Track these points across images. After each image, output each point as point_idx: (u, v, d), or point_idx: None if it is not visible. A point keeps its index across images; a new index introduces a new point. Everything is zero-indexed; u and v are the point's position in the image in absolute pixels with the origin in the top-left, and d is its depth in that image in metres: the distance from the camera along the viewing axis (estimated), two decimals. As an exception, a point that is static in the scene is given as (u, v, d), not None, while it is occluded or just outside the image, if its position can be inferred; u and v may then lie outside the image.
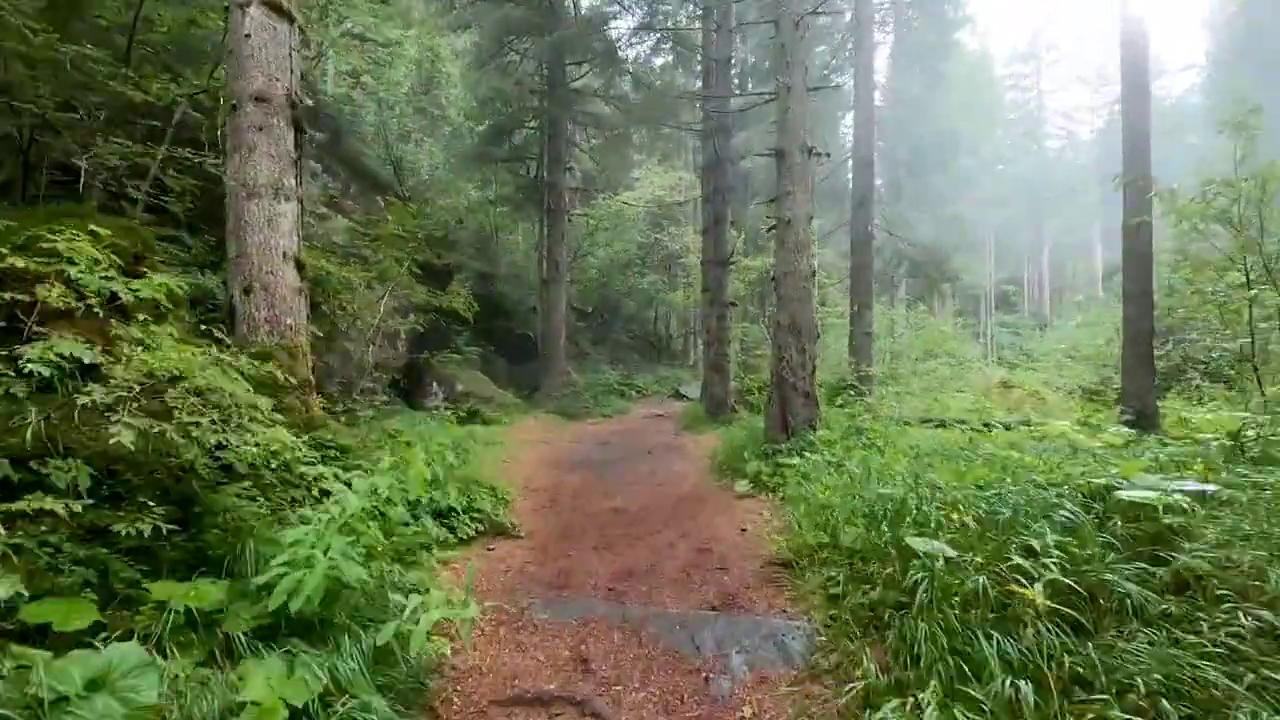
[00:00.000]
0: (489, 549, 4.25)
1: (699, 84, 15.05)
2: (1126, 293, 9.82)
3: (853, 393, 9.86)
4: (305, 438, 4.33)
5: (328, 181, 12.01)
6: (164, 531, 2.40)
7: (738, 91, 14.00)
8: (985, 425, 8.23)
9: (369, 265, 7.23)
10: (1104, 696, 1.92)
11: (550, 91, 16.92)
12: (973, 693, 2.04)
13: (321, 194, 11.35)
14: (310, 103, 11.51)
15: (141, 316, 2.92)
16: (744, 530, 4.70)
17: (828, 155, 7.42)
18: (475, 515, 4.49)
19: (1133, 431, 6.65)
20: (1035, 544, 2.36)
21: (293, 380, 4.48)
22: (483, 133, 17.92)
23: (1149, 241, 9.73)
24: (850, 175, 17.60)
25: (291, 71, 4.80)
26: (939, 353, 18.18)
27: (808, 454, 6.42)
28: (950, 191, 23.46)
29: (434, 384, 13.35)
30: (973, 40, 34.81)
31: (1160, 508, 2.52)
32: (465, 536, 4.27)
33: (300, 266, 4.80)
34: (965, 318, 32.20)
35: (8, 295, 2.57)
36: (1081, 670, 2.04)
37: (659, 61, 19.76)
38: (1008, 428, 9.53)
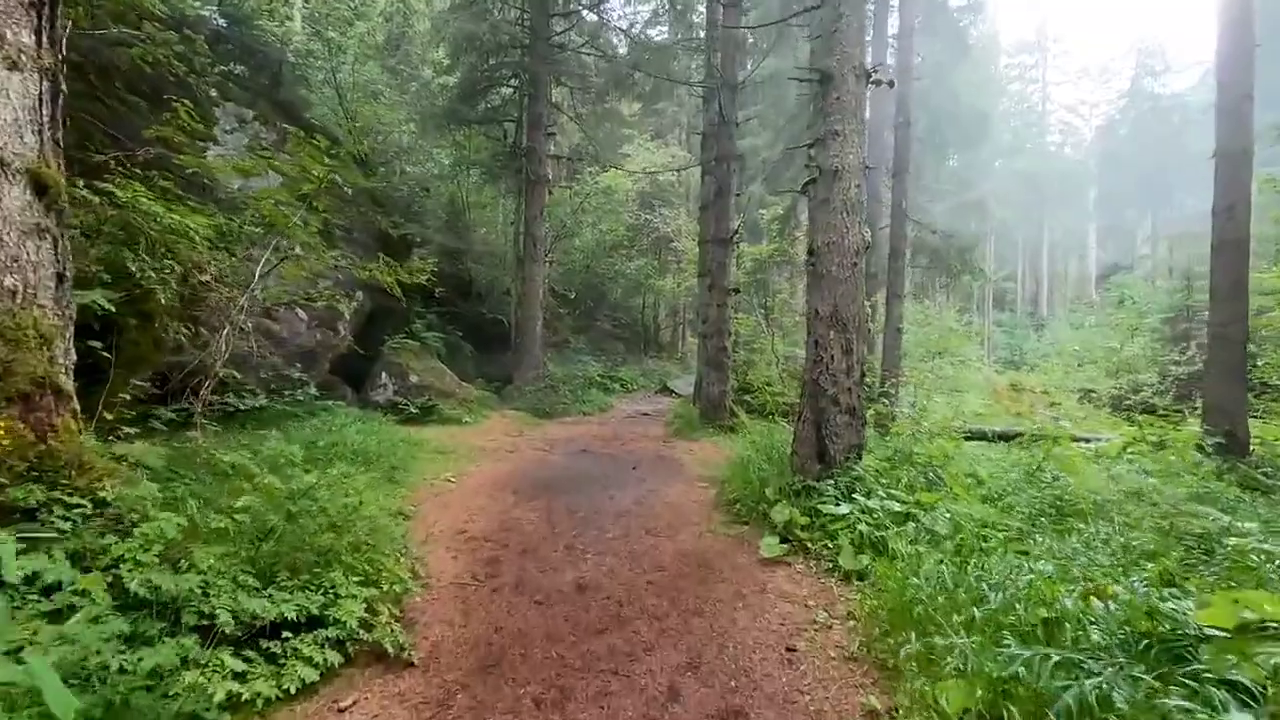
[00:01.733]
0: (339, 710, 2.31)
1: (700, 57, 13.06)
2: (1215, 290, 8.13)
3: (887, 401, 8.07)
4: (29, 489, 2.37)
5: (259, 130, 10.15)
6: None
7: (746, 67, 12.05)
8: (1074, 439, 6.38)
9: (261, 219, 5.19)
10: None
11: (531, 45, 14.76)
12: None
13: (251, 143, 9.60)
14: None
15: None
16: (792, 652, 2.82)
17: (891, 84, 5.48)
18: (330, 631, 2.55)
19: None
20: None
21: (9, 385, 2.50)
22: (455, 89, 15.69)
23: (1246, 225, 8.00)
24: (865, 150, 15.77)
25: None
26: (943, 351, 17.63)
27: (858, 496, 4.58)
28: (967, 175, 21.75)
29: (382, 374, 11.34)
30: (980, 25, 33.07)
31: None
32: (298, 684, 2.29)
33: (42, 189, 2.79)
34: (965, 315, 30.94)
35: None
36: None
37: (656, 34, 17.64)
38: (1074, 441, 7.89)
